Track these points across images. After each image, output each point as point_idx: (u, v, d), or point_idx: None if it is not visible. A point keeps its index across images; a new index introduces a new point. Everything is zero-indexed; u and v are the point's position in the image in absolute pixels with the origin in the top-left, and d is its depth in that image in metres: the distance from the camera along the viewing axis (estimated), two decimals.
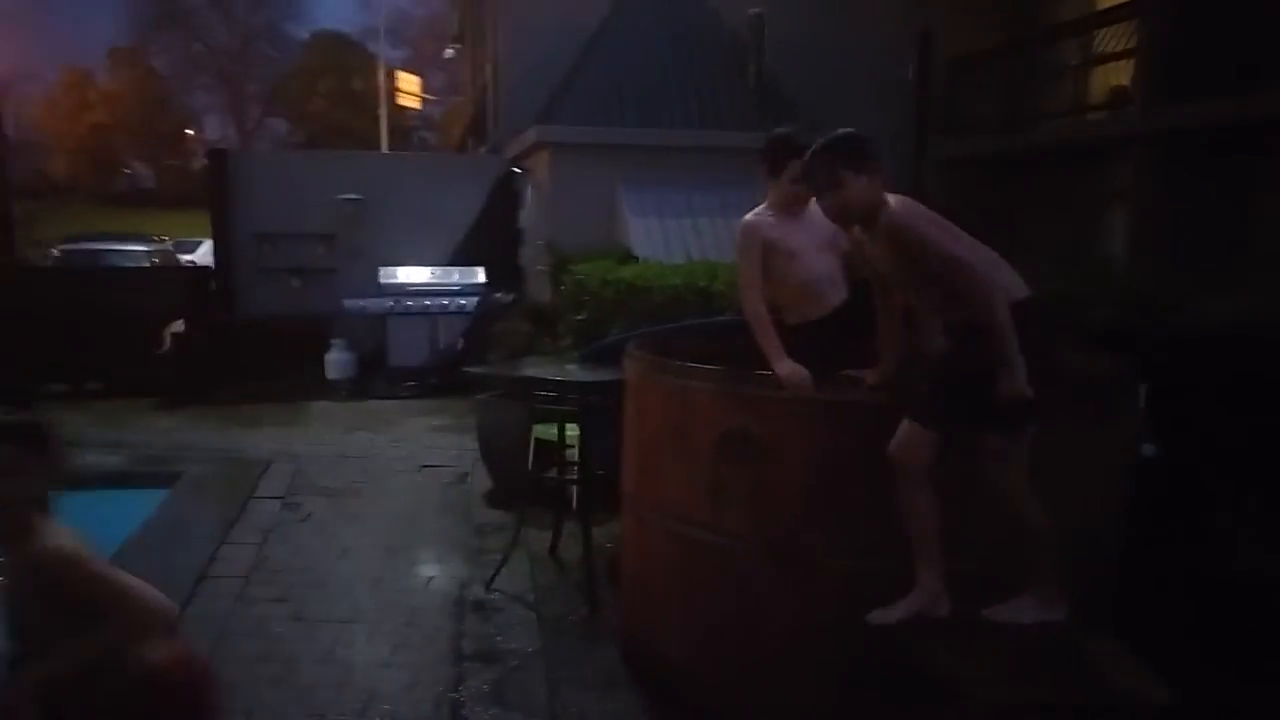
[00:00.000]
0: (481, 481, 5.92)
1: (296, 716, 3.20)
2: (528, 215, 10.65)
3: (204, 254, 17.04)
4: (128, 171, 43.21)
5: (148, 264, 16.23)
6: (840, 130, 2.56)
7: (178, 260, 18.42)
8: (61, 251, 16.44)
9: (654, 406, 3.26)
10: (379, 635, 3.85)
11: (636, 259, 7.83)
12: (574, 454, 4.62)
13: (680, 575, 3.17)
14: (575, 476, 4.59)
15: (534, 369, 4.72)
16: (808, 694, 2.78)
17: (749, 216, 3.27)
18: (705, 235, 9.25)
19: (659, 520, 3.24)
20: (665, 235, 9.23)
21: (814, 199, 2.80)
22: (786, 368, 2.85)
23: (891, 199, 2.49)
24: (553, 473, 4.89)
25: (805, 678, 2.78)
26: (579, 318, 6.58)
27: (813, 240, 3.15)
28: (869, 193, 2.47)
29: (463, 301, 9.65)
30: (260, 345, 9.14)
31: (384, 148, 22.76)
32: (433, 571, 4.65)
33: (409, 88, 24.69)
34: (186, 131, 43.32)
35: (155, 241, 19.65)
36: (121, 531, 4.99)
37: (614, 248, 8.53)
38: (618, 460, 3.59)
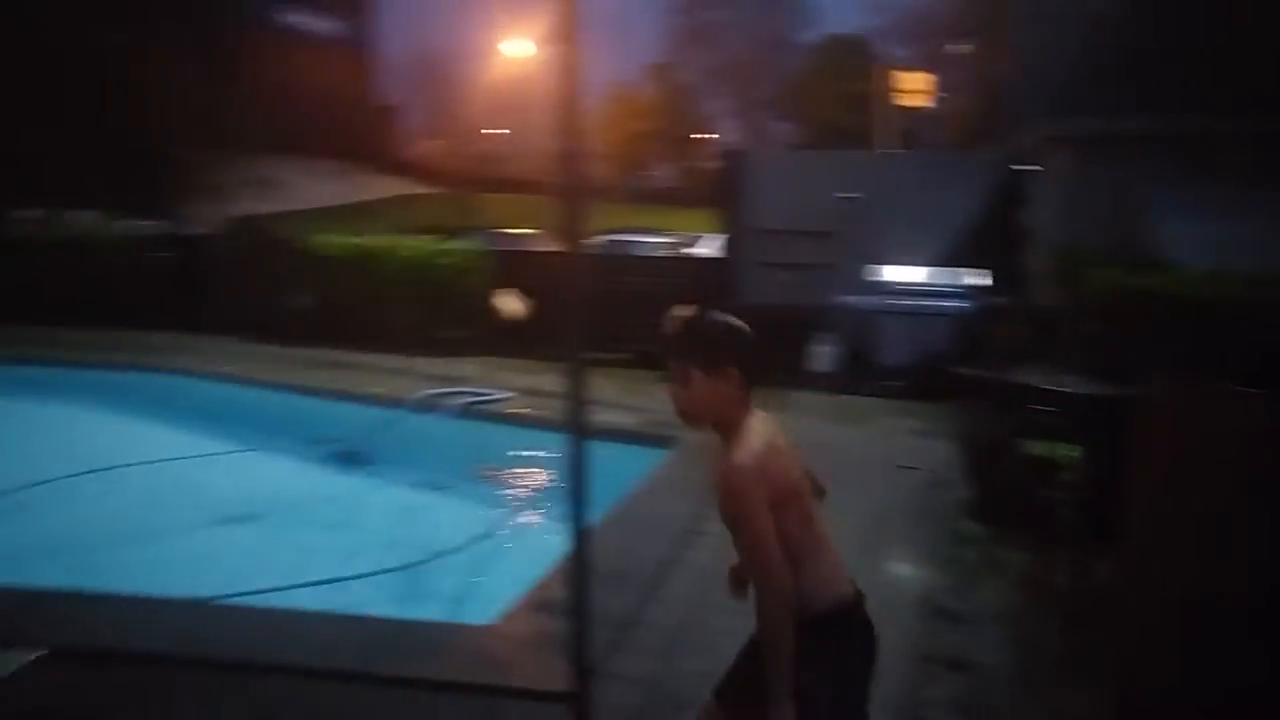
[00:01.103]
0: (961, 490, 5.69)
1: None
2: (1035, 215, 9.91)
3: (704, 248, 18.65)
4: (650, 174, 49.19)
5: (664, 255, 18.32)
6: (715, 317, 2.09)
7: (685, 253, 20.49)
8: (602, 242, 19.24)
9: (1188, 434, 2.84)
10: None
11: (1164, 265, 6.86)
12: (1070, 475, 4.23)
13: (1203, 628, 2.73)
14: (1068, 499, 4.20)
15: (1030, 378, 4.40)
16: None
17: None
18: (1260, 240, 7.77)
19: (1178, 563, 2.83)
20: (1203, 239, 7.94)
21: None
22: None
23: (751, 446, 1.99)
24: (1042, 492, 4.53)
25: None
26: (1088, 327, 5.98)
27: None
28: (711, 401, 2.05)
29: (955, 303, 9.35)
30: (757, 333, 9.81)
31: (883, 148, 22.83)
32: (902, 570, 4.62)
33: (912, 86, 24.42)
34: (703, 136, 48.00)
35: (671, 235, 22.10)
36: (626, 481, 5.75)
37: (1136, 251, 7.57)
38: (1121, 487, 3.20)
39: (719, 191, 11.60)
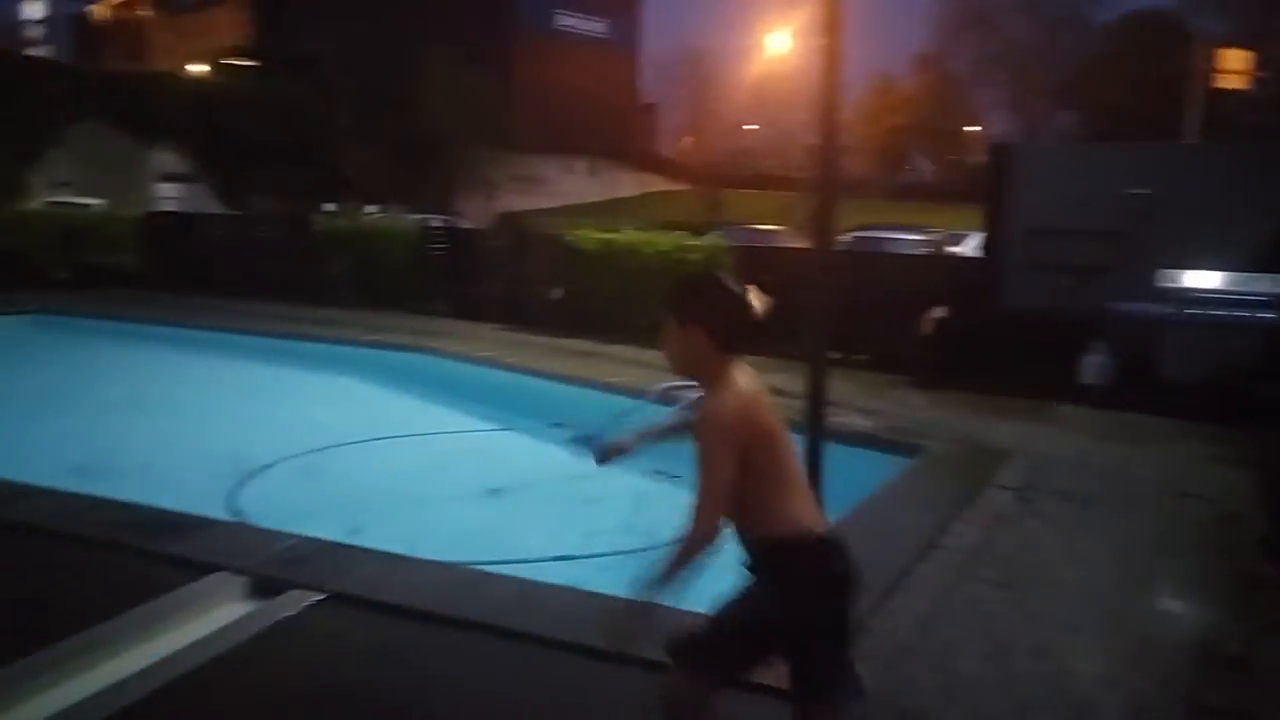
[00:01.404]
0: (1260, 527, 4.95)
1: (997, 694, 3.16)
2: None
3: (969, 246, 17.62)
4: (910, 169, 47.13)
5: (919, 253, 17.49)
6: (704, 276, 2.32)
7: (945, 251, 19.42)
8: (851, 238, 18.71)
9: None
10: (1103, 651, 3.55)
11: None
12: None
13: None
14: None
15: None
16: None
17: None
18: None
19: None
20: None
21: None
22: None
23: (732, 392, 2.13)
24: None
25: None
26: None
27: None
28: (686, 354, 2.20)
29: (1270, 314, 8.14)
30: (1018, 339, 9.10)
31: (1192, 137, 20.35)
32: (1176, 608, 4.09)
33: (1235, 65, 21.42)
34: (970, 129, 45.28)
35: (928, 232, 21.05)
36: (862, 488, 5.52)
37: None
38: None
39: (985, 187, 10.87)
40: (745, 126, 42.55)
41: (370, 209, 21.61)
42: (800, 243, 16.09)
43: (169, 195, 27.53)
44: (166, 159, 28.32)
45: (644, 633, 2.15)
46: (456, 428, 7.84)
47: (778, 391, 7.85)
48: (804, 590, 2.18)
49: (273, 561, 4.08)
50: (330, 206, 21.24)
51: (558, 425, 7.55)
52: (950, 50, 44.58)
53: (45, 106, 24.58)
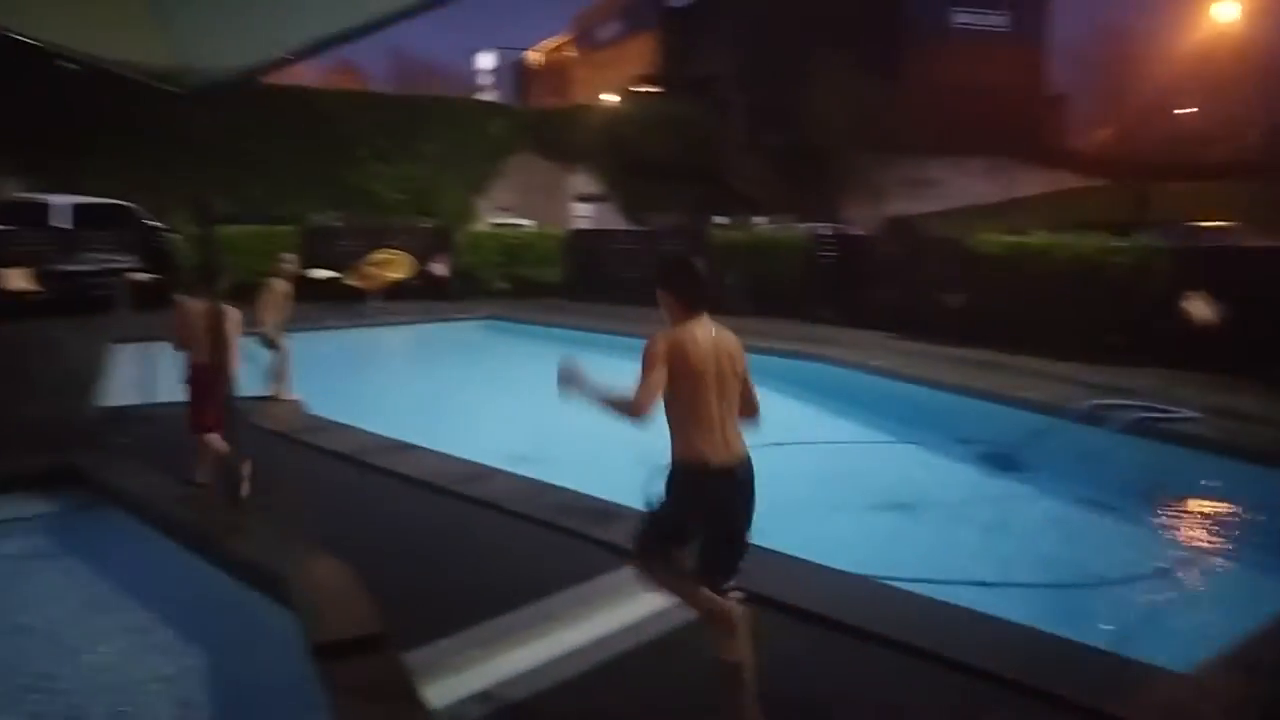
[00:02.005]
0: None
1: None
2: None
3: None
4: None
5: None
6: (680, 254, 3.19)
7: None
8: None
9: None
10: None
11: None
12: None
13: None
14: None
15: None
16: None
17: None
18: None
19: None
20: None
21: None
22: None
23: (677, 330, 2.96)
24: None
25: None
26: None
27: None
28: (666, 310, 3.04)
29: None
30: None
31: None
32: None
33: None
34: None
35: None
36: None
37: None
38: None
39: None
40: (1178, 111, 37.01)
41: (759, 220, 22.28)
42: (1264, 242, 13.57)
43: (582, 214, 30.74)
44: (580, 181, 31.64)
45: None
46: (851, 437, 7.69)
47: (1239, 416, 6.63)
48: (683, 501, 2.96)
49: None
50: (723, 219, 22.24)
51: (964, 441, 7.10)
52: None
53: (491, 141, 28.78)
